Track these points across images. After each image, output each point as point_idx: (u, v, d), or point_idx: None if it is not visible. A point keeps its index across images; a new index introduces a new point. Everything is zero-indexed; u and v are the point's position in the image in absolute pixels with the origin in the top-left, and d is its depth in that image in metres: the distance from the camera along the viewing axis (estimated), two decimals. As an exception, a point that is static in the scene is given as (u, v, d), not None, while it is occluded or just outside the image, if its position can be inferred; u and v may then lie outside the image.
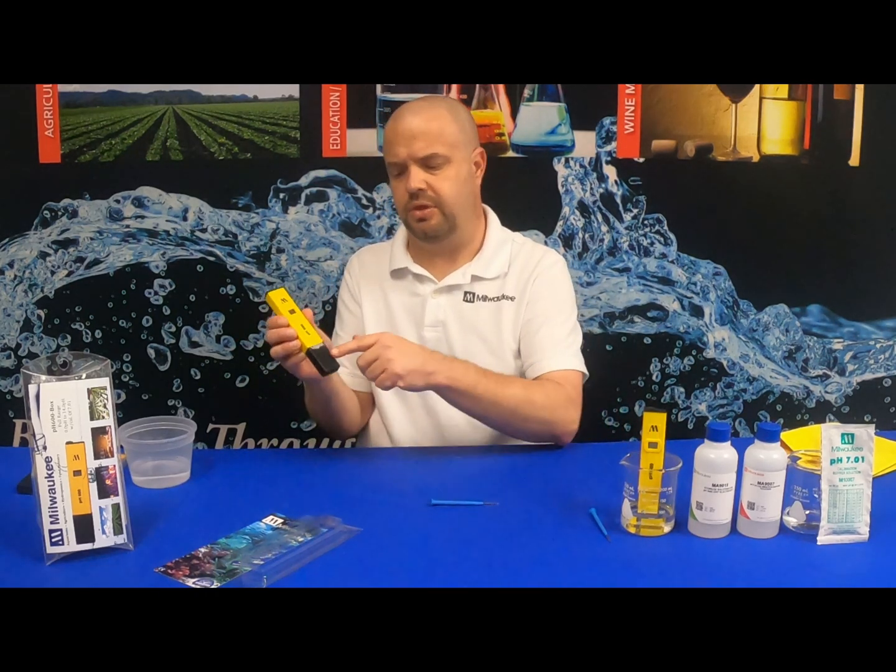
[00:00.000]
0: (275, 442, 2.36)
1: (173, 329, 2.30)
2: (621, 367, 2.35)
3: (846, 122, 2.24)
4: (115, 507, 1.21)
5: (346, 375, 1.72)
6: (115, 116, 2.23)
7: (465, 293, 1.74)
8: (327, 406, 1.68)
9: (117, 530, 1.21)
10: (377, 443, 1.79)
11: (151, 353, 2.32)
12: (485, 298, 1.74)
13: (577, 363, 1.70)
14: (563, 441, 1.65)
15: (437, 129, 1.64)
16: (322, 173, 2.27)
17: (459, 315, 1.74)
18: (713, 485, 1.26)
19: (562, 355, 1.69)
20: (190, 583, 1.15)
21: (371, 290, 1.79)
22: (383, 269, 1.79)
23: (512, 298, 1.73)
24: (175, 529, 1.31)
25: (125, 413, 1.42)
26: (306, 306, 1.55)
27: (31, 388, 1.18)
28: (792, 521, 1.31)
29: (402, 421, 1.75)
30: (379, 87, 2.22)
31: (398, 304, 1.76)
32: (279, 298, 1.52)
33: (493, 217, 1.80)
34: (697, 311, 2.33)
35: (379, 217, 2.27)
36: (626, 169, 2.27)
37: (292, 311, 1.50)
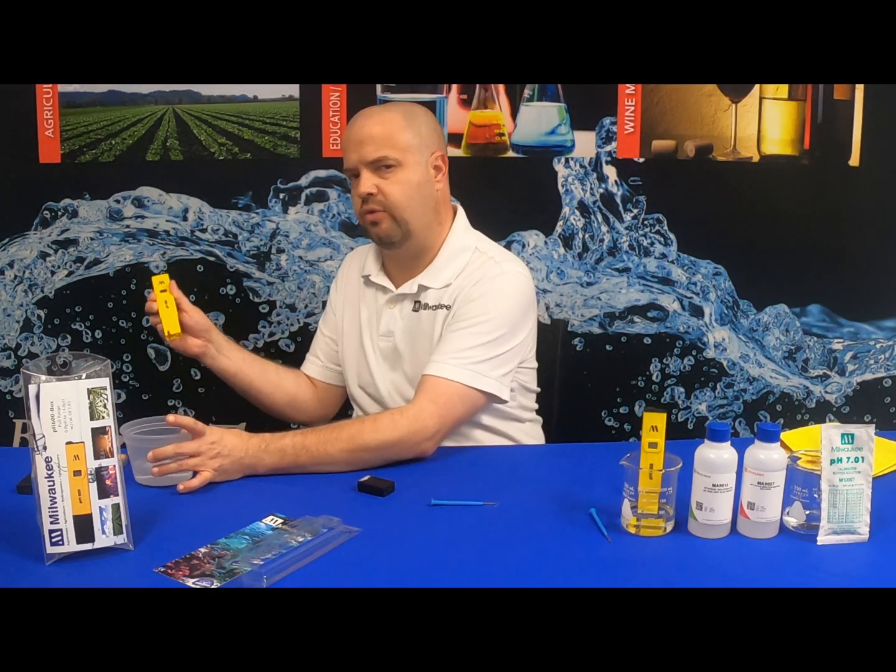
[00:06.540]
0: (275, 442, 2.36)
1: (173, 329, 2.30)
2: (621, 367, 2.35)
3: (846, 122, 2.24)
4: (115, 507, 1.21)
5: (317, 367, 1.85)
6: (115, 116, 2.23)
7: (415, 303, 1.71)
8: (245, 394, 1.78)
9: (117, 530, 1.21)
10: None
11: (151, 353, 2.32)
12: (426, 307, 1.69)
13: (463, 375, 1.58)
14: (420, 453, 1.55)
15: (387, 132, 1.62)
16: (322, 173, 2.27)
17: (407, 325, 1.71)
18: (713, 485, 1.26)
19: (449, 364, 1.58)
20: (190, 583, 1.15)
21: (350, 295, 1.81)
22: (359, 275, 1.81)
23: (448, 307, 1.67)
24: (175, 529, 1.30)
25: (125, 413, 1.41)
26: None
27: (31, 388, 1.18)
28: (792, 521, 1.31)
29: None
30: (379, 87, 2.22)
31: (364, 313, 1.77)
32: (157, 281, 1.68)
33: (459, 222, 1.73)
34: (697, 311, 2.33)
35: (379, 217, 2.26)
36: (626, 169, 2.27)
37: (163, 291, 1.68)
